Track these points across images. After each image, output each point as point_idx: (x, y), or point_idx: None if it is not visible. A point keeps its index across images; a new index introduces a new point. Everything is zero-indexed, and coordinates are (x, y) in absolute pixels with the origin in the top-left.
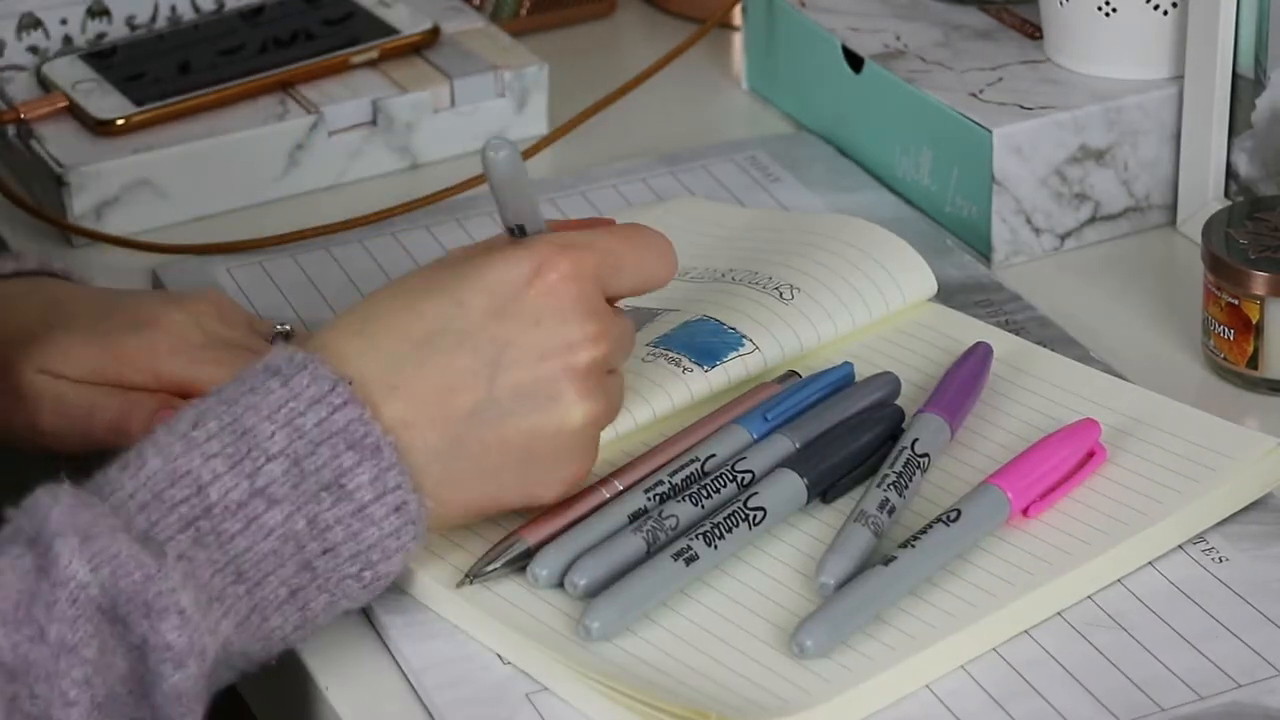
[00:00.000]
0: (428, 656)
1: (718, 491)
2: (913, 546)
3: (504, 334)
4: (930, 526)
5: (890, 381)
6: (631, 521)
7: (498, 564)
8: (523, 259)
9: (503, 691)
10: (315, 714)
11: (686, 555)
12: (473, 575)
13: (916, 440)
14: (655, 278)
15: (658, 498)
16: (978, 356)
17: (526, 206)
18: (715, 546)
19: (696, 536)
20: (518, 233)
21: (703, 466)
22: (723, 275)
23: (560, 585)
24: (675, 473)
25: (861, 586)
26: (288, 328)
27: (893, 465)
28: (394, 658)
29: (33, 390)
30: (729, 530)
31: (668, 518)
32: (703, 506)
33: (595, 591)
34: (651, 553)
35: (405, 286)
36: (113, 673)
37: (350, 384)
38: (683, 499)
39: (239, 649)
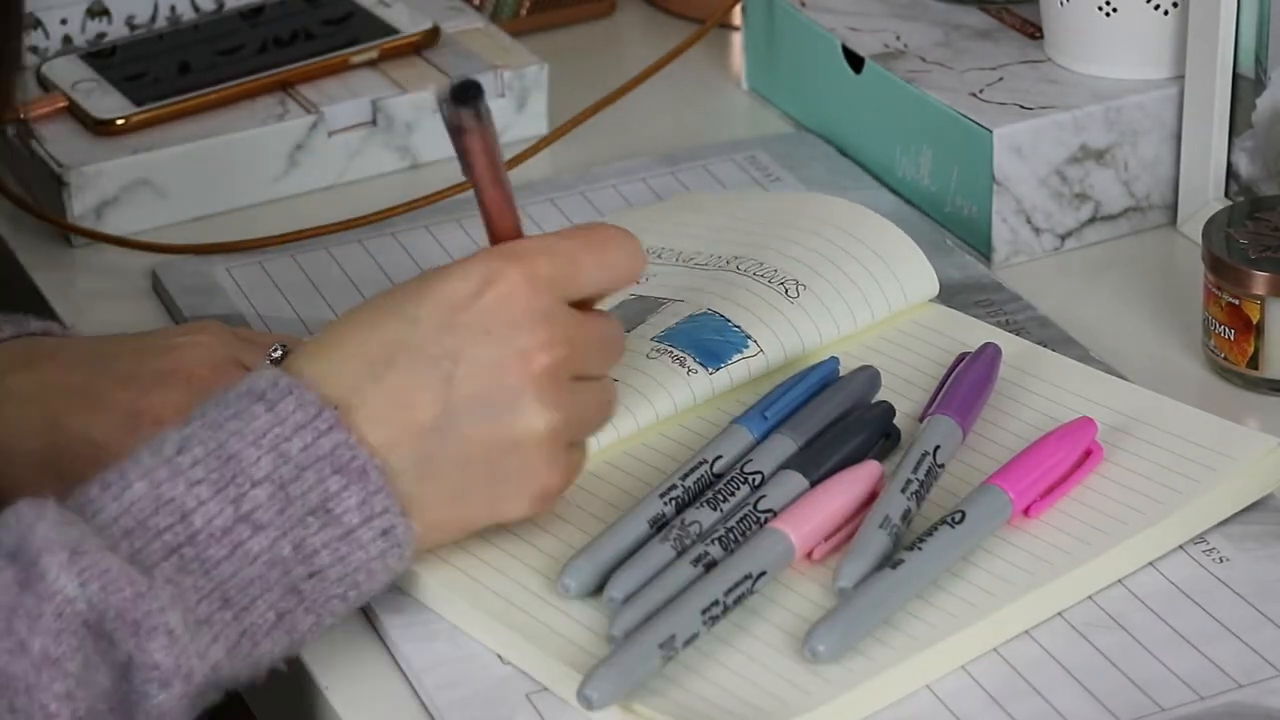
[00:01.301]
0: (428, 656)
1: (733, 494)
2: (919, 549)
3: (456, 346)
4: (935, 528)
5: (872, 376)
6: (651, 527)
7: None
8: (472, 271)
9: (503, 691)
10: (315, 714)
11: (705, 561)
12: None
13: (938, 448)
14: (620, 273)
15: (673, 502)
16: (987, 358)
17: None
18: (730, 550)
19: (713, 541)
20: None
21: (711, 467)
22: (728, 263)
23: (587, 596)
24: (686, 475)
25: (872, 590)
26: (281, 350)
27: (915, 472)
28: (394, 658)
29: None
30: (743, 534)
31: (691, 524)
32: (720, 510)
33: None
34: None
35: (364, 308)
36: (95, 688)
37: (336, 409)
38: (702, 504)
39: (229, 673)
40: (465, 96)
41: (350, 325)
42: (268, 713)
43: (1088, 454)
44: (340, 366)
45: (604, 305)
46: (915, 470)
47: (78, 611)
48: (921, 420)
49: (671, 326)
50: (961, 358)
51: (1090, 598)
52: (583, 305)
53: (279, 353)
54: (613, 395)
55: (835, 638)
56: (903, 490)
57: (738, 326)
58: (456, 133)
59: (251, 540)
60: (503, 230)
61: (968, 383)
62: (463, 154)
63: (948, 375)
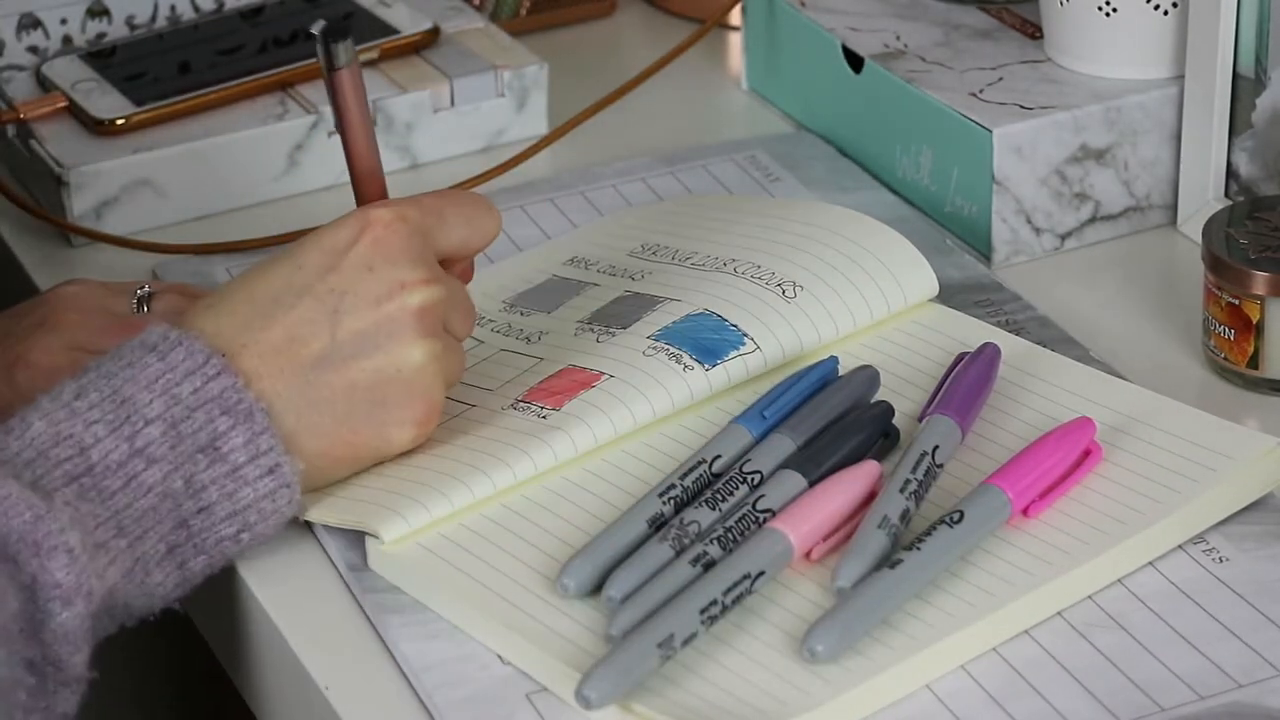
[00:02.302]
0: (428, 656)
1: (731, 494)
2: (918, 549)
3: (340, 284)
4: (934, 528)
5: (871, 375)
6: (650, 526)
7: None
8: (351, 218)
9: (503, 691)
10: (315, 714)
11: (704, 560)
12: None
13: (937, 448)
14: (481, 230)
15: (672, 501)
16: (986, 358)
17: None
18: (729, 550)
19: (712, 541)
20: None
21: (710, 467)
22: (725, 265)
23: (586, 595)
24: (685, 475)
25: (870, 590)
26: (147, 289)
27: (914, 472)
28: (394, 658)
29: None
30: (742, 534)
31: (690, 524)
32: (719, 510)
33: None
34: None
35: (253, 266)
36: (4, 609)
37: (223, 355)
38: (700, 504)
39: (123, 600)
40: (336, 33)
41: (240, 280)
42: (268, 713)
43: (1087, 454)
44: (229, 316)
45: (599, 301)
46: (914, 470)
47: None
48: (921, 420)
49: (667, 325)
50: (961, 357)
51: (1090, 598)
52: (445, 265)
53: (144, 290)
54: (464, 361)
55: (834, 638)
56: (901, 490)
57: (734, 325)
58: (330, 71)
59: (145, 473)
60: (369, 183)
61: (967, 383)
62: (335, 95)
63: (947, 375)
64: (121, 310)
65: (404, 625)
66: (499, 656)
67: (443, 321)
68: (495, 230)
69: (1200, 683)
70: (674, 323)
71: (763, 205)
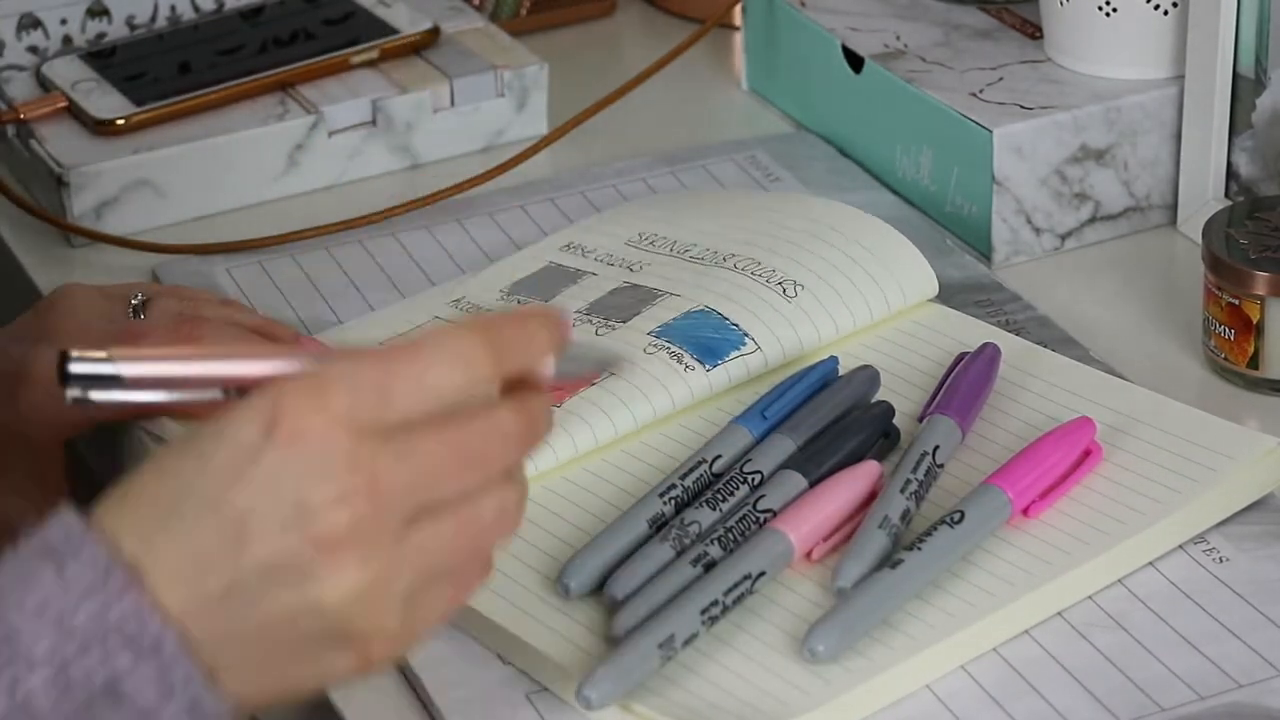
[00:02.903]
0: (428, 656)
1: (732, 494)
2: (919, 549)
3: (244, 501)
4: (935, 528)
5: (872, 375)
6: (651, 527)
7: None
8: (256, 409)
9: (503, 691)
10: (315, 714)
11: (704, 560)
12: None
13: (938, 448)
14: (446, 391)
15: (673, 501)
16: (986, 358)
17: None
18: (730, 550)
19: (713, 541)
20: None
21: (711, 467)
22: (725, 260)
23: (587, 595)
24: (685, 475)
25: (871, 590)
26: (141, 297)
27: (915, 472)
28: None
29: None
30: (743, 534)
31: (690, 524)
32: (720, 510)
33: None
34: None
35: (169, 445)
36: None
37: (128, 567)
38: (701, 504)
39: None
40: (66, 374)
41: (152, 460)
42: (268, 713)
43: (1087, 454)
44: (134, 511)
45: (597, 291)
46: (914, 470)
47: None
48: (921, 420)
49: (668, 322)
50: (961, 357)
51: (1090, 598)
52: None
53: (139, 298)
54: (488, 517)
55: (834, 638)
56: (902, 490)
57: (735, 324)
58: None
59: None
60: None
61: (967, 383)
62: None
63: (947, 375)
64: (119, 317)
65: None
66: (499, 656)
67: (384, 536)
68: (475, 382)
69: (1200, 683)
70: (675, 319)
71: (759, 199)
